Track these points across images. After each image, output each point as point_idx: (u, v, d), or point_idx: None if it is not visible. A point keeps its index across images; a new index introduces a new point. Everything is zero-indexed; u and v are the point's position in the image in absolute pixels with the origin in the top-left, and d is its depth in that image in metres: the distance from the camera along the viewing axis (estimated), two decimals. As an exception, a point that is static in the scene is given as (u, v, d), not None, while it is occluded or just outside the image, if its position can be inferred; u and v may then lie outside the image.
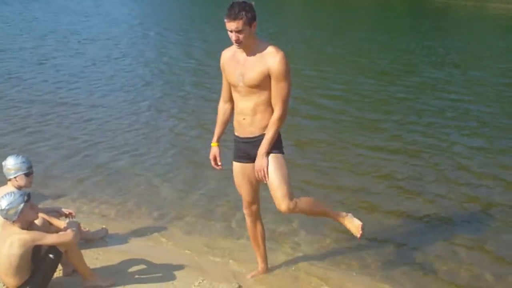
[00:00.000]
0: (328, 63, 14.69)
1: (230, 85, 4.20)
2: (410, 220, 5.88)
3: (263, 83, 3.95)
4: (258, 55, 3.94)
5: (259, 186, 4.35)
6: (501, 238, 5.55)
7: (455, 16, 26.09)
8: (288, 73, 3.94)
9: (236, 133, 4.24)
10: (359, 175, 7.09)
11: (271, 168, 4.02)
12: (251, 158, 4.17)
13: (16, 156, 4.68)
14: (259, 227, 4.51)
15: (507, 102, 11.08)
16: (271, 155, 4.05)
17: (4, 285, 4.20)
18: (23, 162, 4.62)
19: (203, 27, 20.83)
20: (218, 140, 4.35)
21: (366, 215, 5.88)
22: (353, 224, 4.26)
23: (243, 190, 4.34)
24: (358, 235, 4.27)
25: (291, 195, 4.01)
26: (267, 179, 4.03)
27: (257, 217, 4.48)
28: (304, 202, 4.10)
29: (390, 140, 8.53)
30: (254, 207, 4.42)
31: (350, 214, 4.32)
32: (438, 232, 5.64)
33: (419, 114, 9.98)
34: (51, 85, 11.41)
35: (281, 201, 4.00)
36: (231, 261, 4.95)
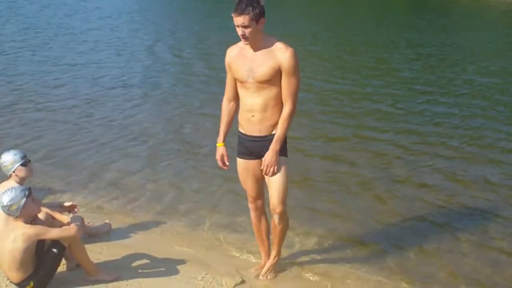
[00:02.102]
0: (309, 58, 14.30)
1: (235, 83, 4.18)
2: (412, 219, 5.86)
3: (273, 78, 3.95)
4: (267, 50, 3.94)
5: (263, 181, 4.33)
6: (501, 231, 5.57)
7: (455, 11, 25.82)
8: (298, 69, 3.96)
9: (241, 130, 4.22)
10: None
11: (278, 170, 4.08)
12: (255, 156, 4.18)
13: (7, 151, 4.72)
14: (263, 222, 4.52)
15: (482, 99, 10.70)
16: (280, 157, 4.09)
17: (8, 279, 4.21)
18: (15, 154, 4.65)
19: (193, 21, 20.77)
20: (224, 140, 4.34)
21: (365, 214, 5.89)
22: (273, 265, 4.54)
23: (248, 185, 4.35)
24: (260, 276, 4.52)
25: (285, 202, 4.19)
26: (272, 175, 4.08)
27: (262, 212, 4.49)
28: (286, 222, 4.35)
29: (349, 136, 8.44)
30: (259, 202, 4.43)
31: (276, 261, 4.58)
32: (437, 230, 5.63)
33: (379, 111, 9.70)
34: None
35: (279, 205, 4.16)
36: (234, 255, 4.97)
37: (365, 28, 20.64)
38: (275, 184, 4.12)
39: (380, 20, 22.80)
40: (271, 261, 4.56)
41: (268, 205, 4.25)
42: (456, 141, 8.24)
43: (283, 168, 4.11)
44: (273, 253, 4.54)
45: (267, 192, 4.24)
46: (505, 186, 6.67)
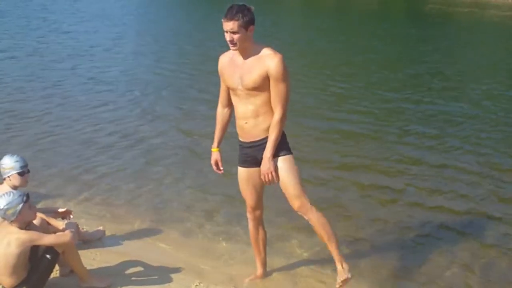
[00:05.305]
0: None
1: (228, 90, 4.21)
2: (410, 227, 5.86)
3: (262, 85, 3.97)
4: (255, 57, 3.96)
5: (263, 191, 4.35)
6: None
7: (452, 24, 25.81)
8: (287, 75, 3.97)
9: (240, 139, 4.23)
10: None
11: (283, 170, 4.06)
12: (258, 163, 4.16)
13: (11, 155, 4.69)
14: (261, 232, 4.51)
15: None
16: (281, 158, 4.07)
17: (0, 285, 4.19)
18: (17, 161, 4.62)
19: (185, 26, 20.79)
20: (218, 145, 4.37)
21: (364, 221, 5.91)
22: (342, 273, 4.15)
23: (248, 195, 4.34)
24: (337, 286, 4.16)
25: (304, 194, 4.08)
26: (276, 182, 4.07)
27: (259, 222, 4.48)
28: (316, 214, 4.10)
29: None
30: (257, 212, 4.42)
31: (346, 267, 4.17)
32: (435, 239, 5.64)
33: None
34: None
35: (296, 199, 4.06)
36: (228, 264, 4.95)
37: (346, 39, 19.97)
38: (288, 182, 4.06)
39: (371, 30, 22.63)
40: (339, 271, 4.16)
41: (270, 210, 4.22)
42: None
43: (290, 166, 4.07)
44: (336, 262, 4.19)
45: (267, 199, 4.23)
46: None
